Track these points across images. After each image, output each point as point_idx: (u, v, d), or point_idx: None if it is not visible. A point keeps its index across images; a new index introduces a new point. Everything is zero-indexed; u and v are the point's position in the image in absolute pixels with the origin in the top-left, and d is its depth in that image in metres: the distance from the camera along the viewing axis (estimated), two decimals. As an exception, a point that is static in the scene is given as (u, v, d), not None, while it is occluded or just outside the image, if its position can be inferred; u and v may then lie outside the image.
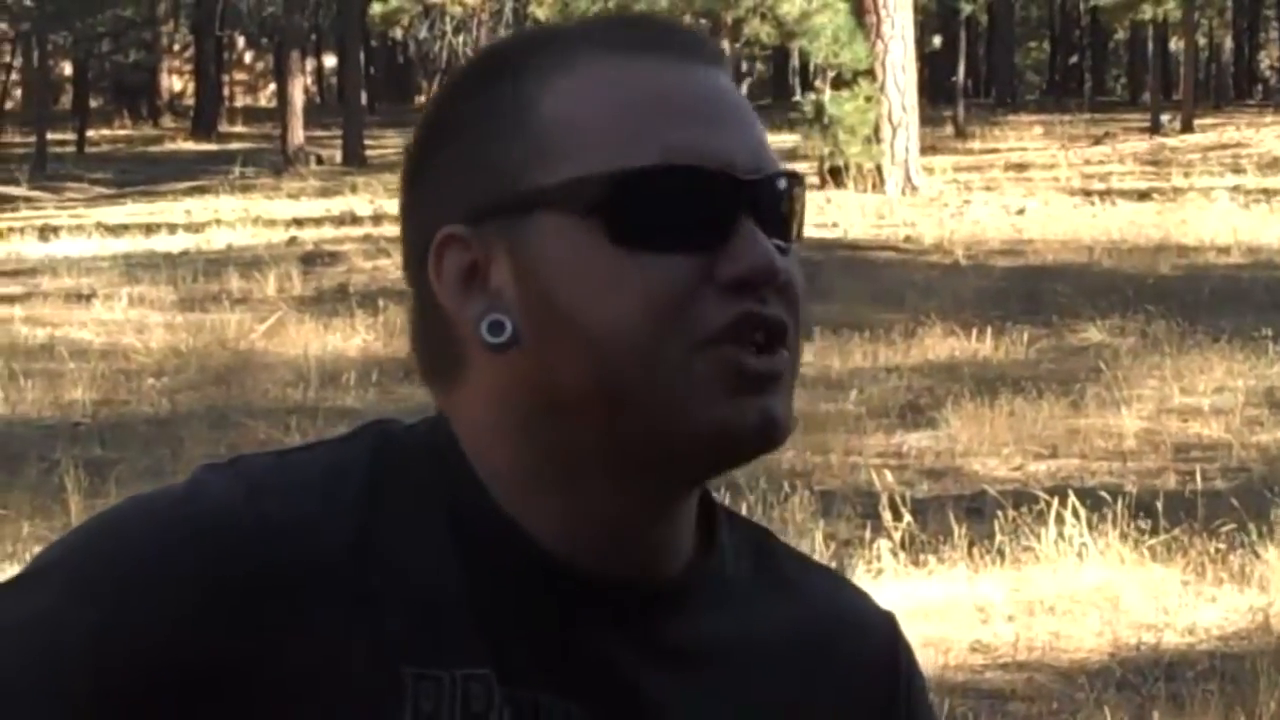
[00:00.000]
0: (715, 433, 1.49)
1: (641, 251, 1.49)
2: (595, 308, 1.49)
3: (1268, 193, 23.98)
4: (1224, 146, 31.96)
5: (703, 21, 23.81)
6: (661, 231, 1.49)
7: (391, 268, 19.96)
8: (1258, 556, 9.21)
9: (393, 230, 22.23)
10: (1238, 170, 27.58)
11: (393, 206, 24.53)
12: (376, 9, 28.18)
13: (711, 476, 1.58)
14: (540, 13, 24.34)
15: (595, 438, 1.52)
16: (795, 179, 1.55)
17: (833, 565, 5.04)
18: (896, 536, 9.64)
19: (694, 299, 1.48)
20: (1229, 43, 60.53)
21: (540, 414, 1.53)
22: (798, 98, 28.85)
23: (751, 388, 1.49)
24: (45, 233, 25.58)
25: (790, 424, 1.53)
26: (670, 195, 1.50)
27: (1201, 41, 52.65)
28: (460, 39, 26.73)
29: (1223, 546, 9.51)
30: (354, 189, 29.91)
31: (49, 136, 43.28)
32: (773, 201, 1.54)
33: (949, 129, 37.85)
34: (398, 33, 31.89)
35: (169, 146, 47.84)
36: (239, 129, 51.59)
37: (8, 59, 52.36)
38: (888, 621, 1.72)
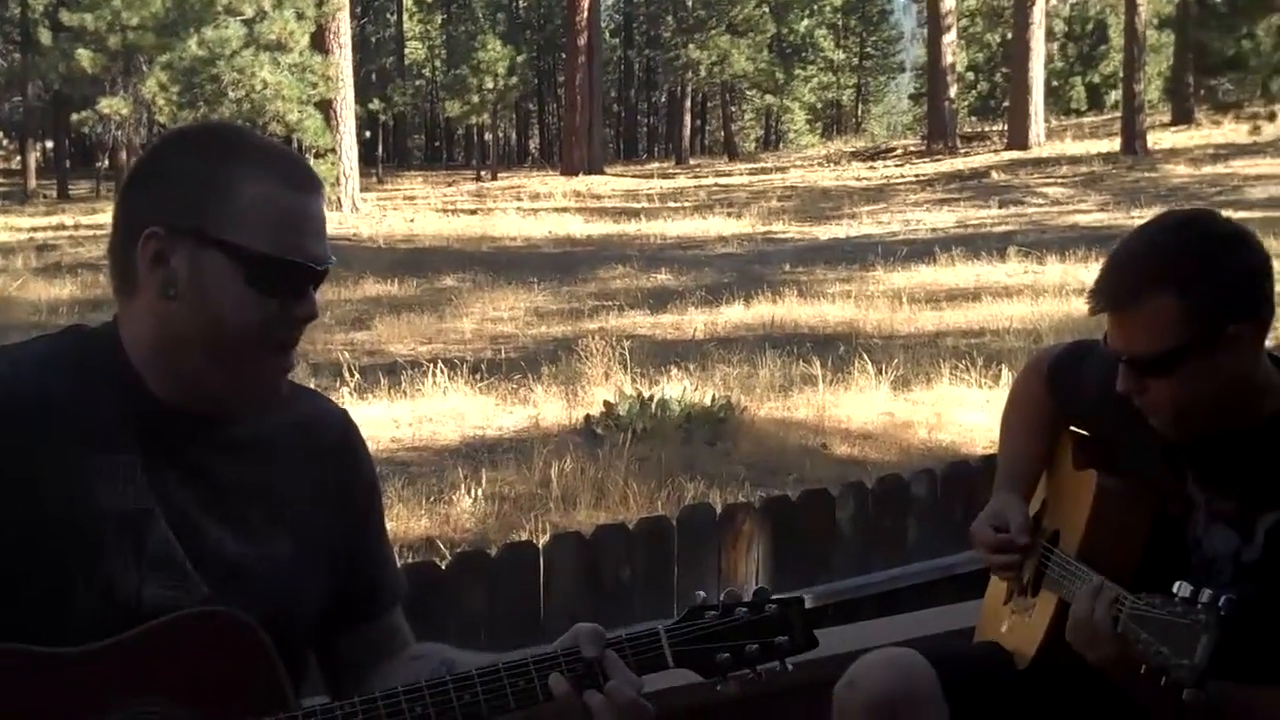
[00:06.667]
0: (263, 386, 1.58)
1: (260, 294, 1.52)
2: (229, 313, 1.51)
3: (534, 210, 24.45)
4: (513, 188, 32.12)
5: (251, 123, 22.59)
6: (273, 286, 1.52)
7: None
8: (532, 391, 9.46)
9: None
10: (519, 199, 27.93)
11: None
12: (74, 118, 25.52)
13: None
14: (162, 118, 22.66)
15: (195, 363, 1.53)
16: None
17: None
18: (352, 385, 9.50)
19: (275, 323, 1.54)
20: (514, 133, 61.19)
21: (173, 341, 1.53)
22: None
23: (285, 369, 1.58)
24: None
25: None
26: (280, 269, 1.52)
27: (500, 134, 53.04)
28: (121, 134, 24.73)
29: (515, 387, 9.71)
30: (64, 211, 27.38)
31: None
32: (322, 275, 1.58)
33: (374, 178, 37.15)
34: (85, 129, 28.98)
35: None
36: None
37: None
38: (346, 414, 1.75)
